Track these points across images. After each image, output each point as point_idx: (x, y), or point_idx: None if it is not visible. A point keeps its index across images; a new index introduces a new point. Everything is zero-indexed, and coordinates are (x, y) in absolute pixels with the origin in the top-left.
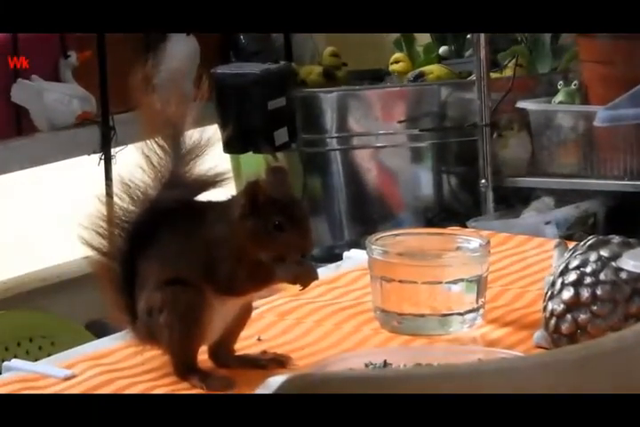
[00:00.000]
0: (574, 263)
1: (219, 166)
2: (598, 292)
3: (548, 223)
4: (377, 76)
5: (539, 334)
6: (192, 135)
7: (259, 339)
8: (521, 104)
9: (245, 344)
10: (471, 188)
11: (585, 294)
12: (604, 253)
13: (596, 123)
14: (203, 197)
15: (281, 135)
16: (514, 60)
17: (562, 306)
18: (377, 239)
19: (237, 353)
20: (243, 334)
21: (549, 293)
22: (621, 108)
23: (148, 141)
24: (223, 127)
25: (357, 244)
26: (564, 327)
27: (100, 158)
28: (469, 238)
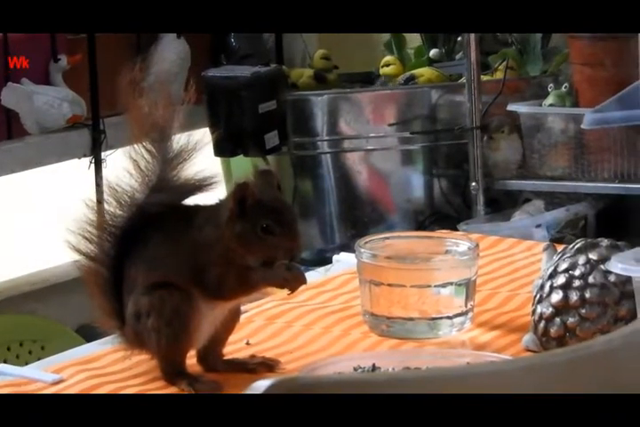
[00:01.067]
0: (563, 266)
1: (206, 170)
2: (587, 295)
3: (538, 226)
4: (368, 79)
5: (527, 338)
6: (180, 139)
7: (247, 343)
8: (511, 107)
9: (234, 348)
10: (462, 190)
11: (574, 297)
12: (593, 256)
13: (584, 126)
14: (190, 200)
15: (271, 138)
16: (504, 63)
17: (551, 309)
18: (366, 243)
19: (226, 357)
20: (231, 337)
21: (538, 296)
22: (609, 111)
23: (135, 145)
24: (214, 130)
25: (348, 247)
26: (553, 330)
27: (91, 162)
28: (458, 242)
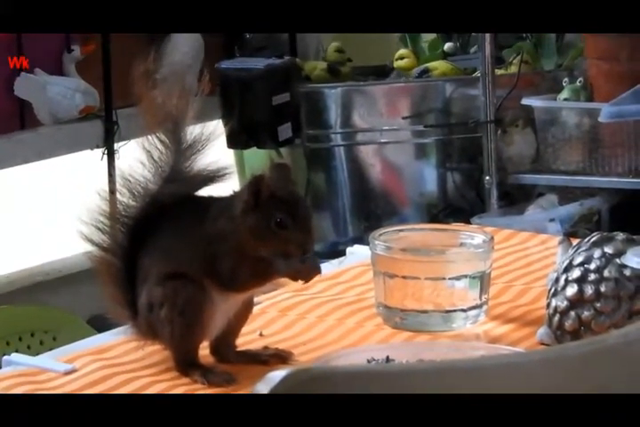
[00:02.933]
0: (578, 260)
1: (220, 161)
2: (602, 289)
3: (552, 220)
4: (381, 72)
5: (542, 331)
6: (193, 130)
7: (260, 334)
8: (526, 101)
9: (247, 340)
10: (475, 184)
11: (589, 290)
12: (608, 249)
13: (601, 119)
14: (203, 192)
15: (285, 130)
16: (519, 57)
17: (565, 303)
18: (380, 235)
19: (239, 349)
20: (244, 329)
21: (553, 289)
22: (625, 104)
23: (148, 136)
24: (227, 122)
25: (361, 240)
26: (568, 324)
27: (103, 153)
28: (473, 234)
